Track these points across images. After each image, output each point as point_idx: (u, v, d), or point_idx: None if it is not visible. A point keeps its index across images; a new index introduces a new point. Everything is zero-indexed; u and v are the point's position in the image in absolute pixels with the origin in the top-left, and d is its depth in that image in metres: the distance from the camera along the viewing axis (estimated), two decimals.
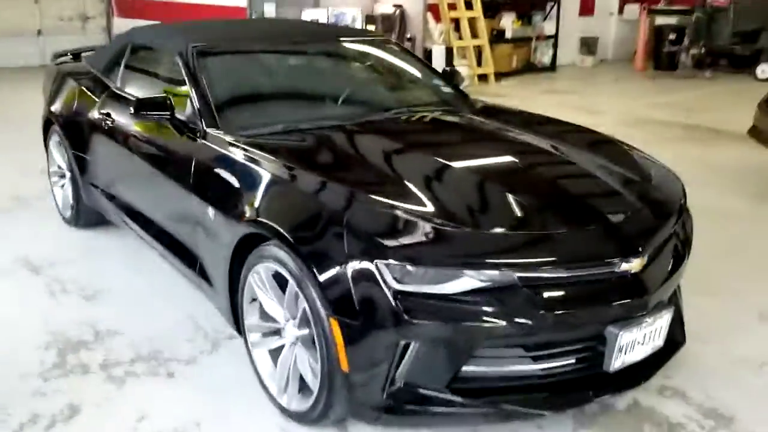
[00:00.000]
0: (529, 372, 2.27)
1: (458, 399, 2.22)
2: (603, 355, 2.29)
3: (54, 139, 4.59)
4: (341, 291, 2.21)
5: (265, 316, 2.71)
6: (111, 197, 3.97)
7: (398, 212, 2.31)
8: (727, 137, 7.34)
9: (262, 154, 2.77)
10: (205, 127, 3.07)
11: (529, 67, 12.97)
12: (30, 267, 4.02)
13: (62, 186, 4.68)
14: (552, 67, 13.26)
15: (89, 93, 4.16)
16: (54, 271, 3.98)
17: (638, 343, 2.32)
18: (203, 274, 3.08)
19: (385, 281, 2.16)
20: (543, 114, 3.77)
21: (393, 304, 2.15)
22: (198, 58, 3.35)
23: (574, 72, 13.29)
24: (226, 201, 2.76)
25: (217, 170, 2.86)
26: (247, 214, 2.60)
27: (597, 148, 3.15)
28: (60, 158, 4.61)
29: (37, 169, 5.69)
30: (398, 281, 2.16)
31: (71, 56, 5.01)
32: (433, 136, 3.24)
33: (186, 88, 3.29)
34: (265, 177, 2.64)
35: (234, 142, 2.92)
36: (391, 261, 2.16)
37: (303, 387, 2.55)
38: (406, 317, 2.13)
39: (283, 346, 2.62)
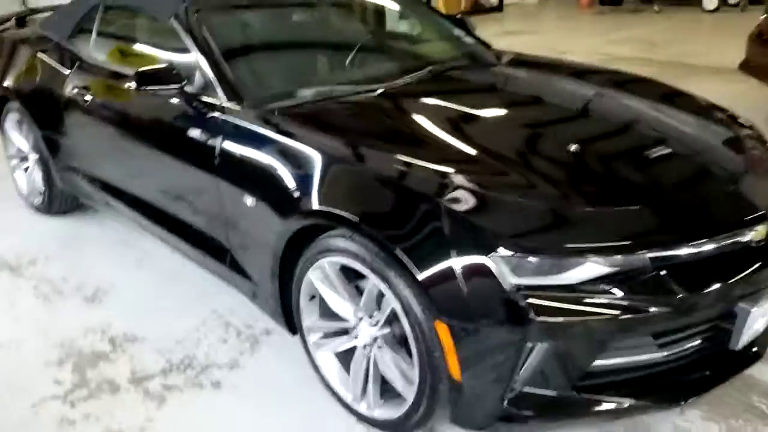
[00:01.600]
0: (655, 360, 2.04)
1: (585, 399, 1.98)
2: (729, 332, 2.08)
3: (12, 119, 4.01)
4: (449, 290, 1.90)
5: (328, 314, 2.39)
6: (97, 182, 3.48)
7: (506, 194, 2.00)
8: (705, 72, 7.26)
9: (310, 129, 2.39)
10: (225, 102, 2.65)
11: (478, 8, 12.64)
12: (7, 267, 3.53)
13: (26, 170, 4.13)
14: (500, 7, 12.97)
15: (55, 64, 3.60)
16: (37, 269, 3.50)
17: (762, 316, 2.12)
18: (236, 267, 2.71)
19: (501, 275, 1.86)
20: (583, 63, 3.49)
21: (513, 300, 1.86)
22: (201, 20, 2.89)
23: (522, 11, 13.04)
24: (270, 187, 2.37)
25: (253, 151, 2.46)
26: (304, 203, 2.24)
27: (674, 101, 2.88)
28: (21, 139, 4.05)
29: None
30: (516, 274, 1.87)
31: (15, 21, 4.37)
32: (493, 97, 2.87)
33: (189, 57, 2.83)
34: (321, 158, 2.26)
35: (267, 117, 2.52)
36: (506, 252, 1.86)
37: (384, 390, 2.26)
38: (529, 315, 1.85)
39: (354, 348, 2.31)
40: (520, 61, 3.32)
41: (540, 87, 2.96)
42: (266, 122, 2.49)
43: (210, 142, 2.62)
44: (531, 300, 1.86)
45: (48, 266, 3.52)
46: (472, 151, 2.25)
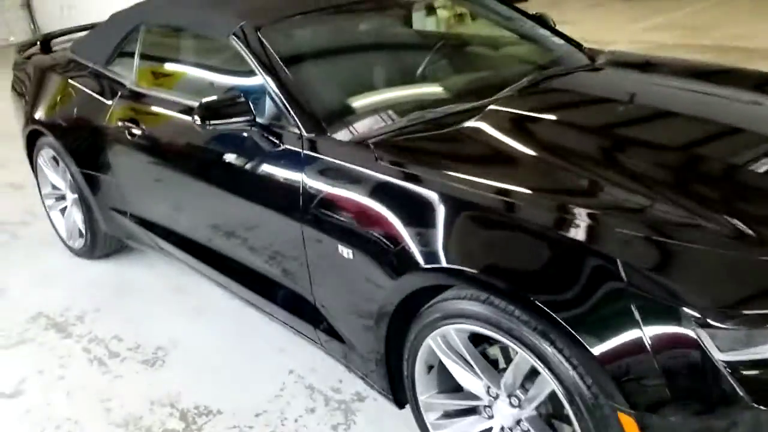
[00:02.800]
0: None
1: None
2: None
3: (46, 154, 3.64)
4: (637, 370, 1.50)
5: (450, 388, 1.99)
6: (149, 225, 3.10)
7: (699, 243, 1.59)
8: (763, 54, 6.79)
9: (421, 164, 1.99)
10: (305, 133, 2.25)
11: None
12: (53, 326, 3.16)
13: (63, 210, 3.76)
14: None
15: (93, 94, 3.23)
16: (86, 326, 3.12)
17: None
18: (321, 325, 2.32)
19: (709, 350, 1.46)
20: (703, 61, 3.05)
21: (725, 382, 1.45)
22: (266, 38, 2.49)
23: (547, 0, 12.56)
24: (375, 237, 1.97)
25: (348, 192, 2.06)
26: (425, 258, 1.84)
27: None
28: (56, 177, 3.69)
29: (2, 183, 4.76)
30: (724, 348, 1.47)
31: (40, 46, 4.00)
32: (622, 110, 2.41)
33: (253, 81, 2.45)
34: (445, 202, 1.86)
35: (362, 151, 2.12)
36: (713, 320, 1.46)
37: None
38: (745, 400, 1.45)
39: (489, 430, 1.91)
40: (625, 62, 2.89)
41: (673, 95, 2.51)
42: (362, 157, 2.09)
43: (290, 181, 2.23)
44: (743, 381, 1.45)
45: (98, 322, 3.14)
46: (635, 185, 1.83)
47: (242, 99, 2.31)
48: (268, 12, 2.65)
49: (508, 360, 1.88)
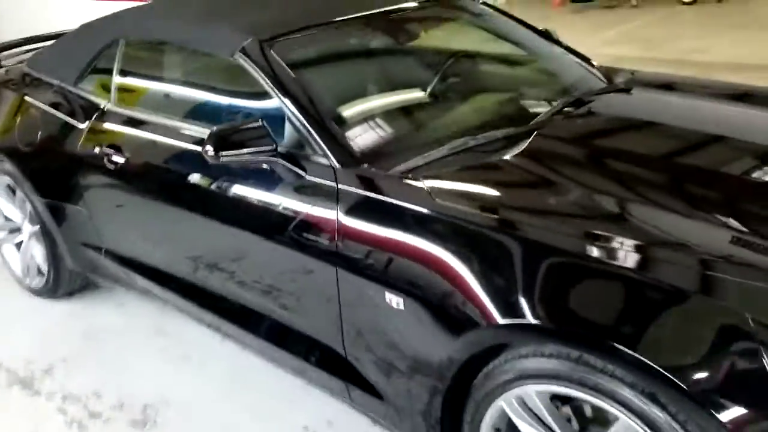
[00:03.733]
0: None
1: None
2: None
3: None
4: None
5: None
6: (132, 263, 2.74)
7: None
8: (724, 69, 6.87)
9: (490, 204, 1.74)
10: (337, 163, 1.98)
11: None
12: (18, 382, 2.74)
13: (18, 245, 3.34)
14: None
15: (61, 116, 2.84)
16: (57, 382, 2.72)
17: None
18: (355, 379, 2.04)
19: None
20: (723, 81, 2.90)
21: None
22: (280, 54, 2.21)
23: None
24: (434, 286, 1.71)
25: (398, 234, 1.79)
26: (498, 311, 1.59)
27: None
28: (11, 208, 3.26)
29: None
30: None
31: None
32: (667, 136, 2.21)
33: (267, 104, 2.16)
34: (522, 246, 1.62)
35: (406, 184, 1.86)
36: None
37: None
38: None
39: None
40: (651, 83, 2.72)
41: (720, 117, 2.36)
42: (411, 192, 1.83)
43: (321, 218, 1.95)
44: None
45: (70, 376, 2.75)
46: (739, 225, 1.64)
47: (260, 125, 2.01)
48: (275, 25, 2.36)
49: (583, 419, 1.67)
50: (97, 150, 2.64)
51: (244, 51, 2.22)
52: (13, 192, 3.18)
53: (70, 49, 3.00)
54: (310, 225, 1.99)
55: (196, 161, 2.31)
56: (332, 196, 1.94)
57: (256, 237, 2.16)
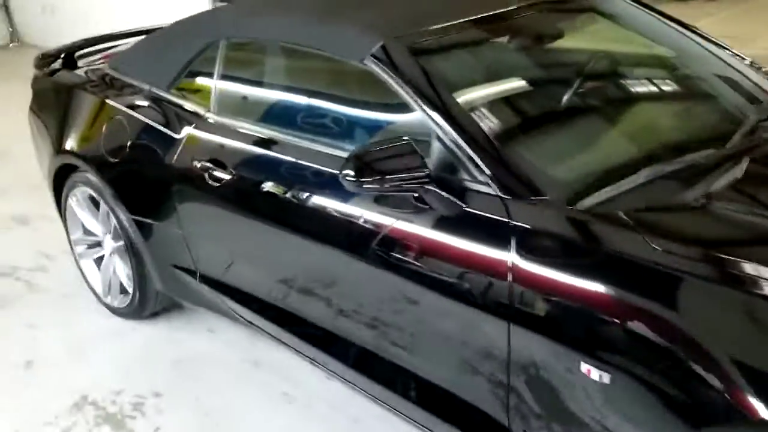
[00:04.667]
0: None
1: None
2: None
3: (80, 193, 2.95)
4: None
5: None
6: (230, 290, 2.45)
7: None
8: None
9: (740, 257, 1.38)
10: (504, 194, 1.64)
11: None
12: (105, 419, 2.47)
13: (98, 259, 3.08)
14: None
15: (152, 124, 2.56)
16: (150, 420, 2.45)
17: None
18: None
19: None
20: None
21: None
22: (425, 61, 1.87)
23: None
24: (661, 360, 1.36)
25: (604, 290, 1.45)
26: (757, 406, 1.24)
27: None
28: (93, 221, 3.00)
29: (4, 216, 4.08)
30: None
31: (63, 60, 3.30)
32: None
33: (407, 118, 1.83)
34: None
35: (618, 225, 1.51)
36: None
37: None
38: None
39: None
40: None
41: None
42: (618, 237, 1.48)
43: (488, 260, 1.61)
44: None
45: (165, 413, 2.47)
46: None
47: (408, 143, 1.69)
48: (412, 22, 2.03)
49: None
50: (196, 164, 2.35)
51: (377, 55, 1.89)
52: (96, 204, 2.92)
53: (160, 49, 2.71)
54: (468, 267, 1.66)
55: (315, 181, 2.01)
56: (503, 234, 1.60)
57: (391, 275, 1.83)
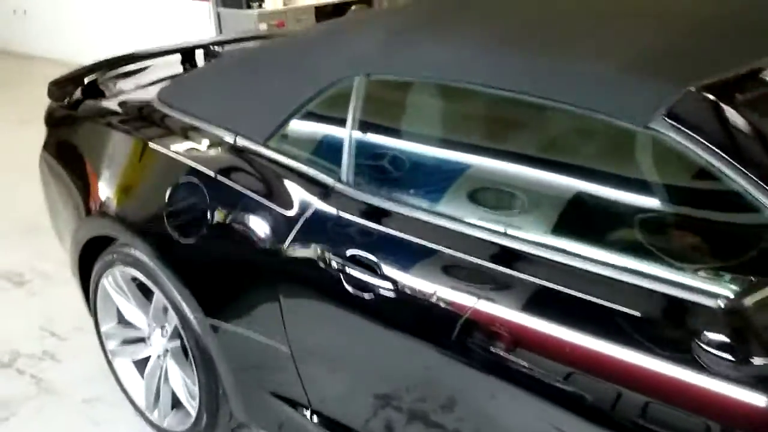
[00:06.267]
0: None
1: None
2: None
3: (120, 275, 2.15)
4: None
5: None
6: None
7: None
8: None
9: None
10: None
11: None
12: None
13: (141, 362, 2.28)
14: None
15: (249, 193, 1.76)
16: None
17: None
18: None
19: None
20: None
21: None
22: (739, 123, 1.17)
23: None
24: None
25: None
26: None
27: None
28: (135, 311, 2.21)
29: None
30: None
31: (82, 89, 2.47)
32: None
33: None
34: None
35: None
36: None
37: None
38: None
39: None
40: None
41: None
42: None
43: None
44: None
45: None
46: None
47: None
48: (702, 64, 1.31)
49: None
50: (325, 259, 1.58)
51: (674, 115, 1.17)
52: (146, 293, 2.13)
53: (248, 84, 1.90)
54: None
55: (558, 315, 1.27)
56: None
57: None
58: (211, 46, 2.75)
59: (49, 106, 2.49)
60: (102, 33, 7.17)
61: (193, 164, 1.88)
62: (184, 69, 2.60)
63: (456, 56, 1.51)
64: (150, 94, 2.32)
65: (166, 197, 1.91)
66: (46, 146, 2.44)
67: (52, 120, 2.45)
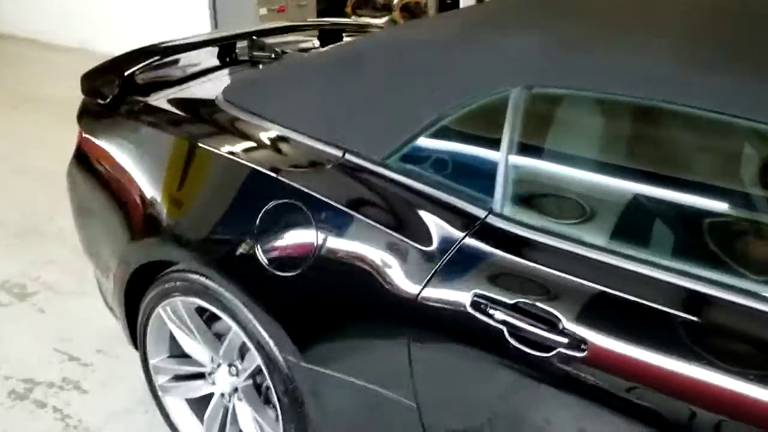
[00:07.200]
0: None
1: None
2: None
3: (180, 304, 1.85)
4: None
5: None
6: None
7: None
8: None
9: None
10: None
11: None
12: None
13: (198, 401, 1.99)
14: None
15: (373, 223, 1.49)
16: None
17: None
18: None
19: None
20: None
21: None
22: None
23: None
24: None
25: None
26: None
27: None
28: (196, 346, 1.92)
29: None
30: None
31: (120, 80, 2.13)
32: None
33: None
34: None
35: None
36: None
37: None
38: None
39: None
40: None
41: None
42: None
43: None
44: None
45: None
46: None
47: None
48: None
49: None
50: (488, 310, 1.32)
51: None
52: (209, 323, 1.84)
53: (358, 91, 1.62)
54: None
55: None
56: None
57: None
58: (254, 37, 2.44)
59: (82, 103, 2.16)
60: (82, 11, 6.66)
61: (293, 184, 1.59)
62: (222, 63, 2.32)
63: (653, 70, 1.26)
64: (203, 92, 2.04)
65: (257, 221, 1.62)
66: (79, 153, 2.11)
67: (87, 121, 2.11)
